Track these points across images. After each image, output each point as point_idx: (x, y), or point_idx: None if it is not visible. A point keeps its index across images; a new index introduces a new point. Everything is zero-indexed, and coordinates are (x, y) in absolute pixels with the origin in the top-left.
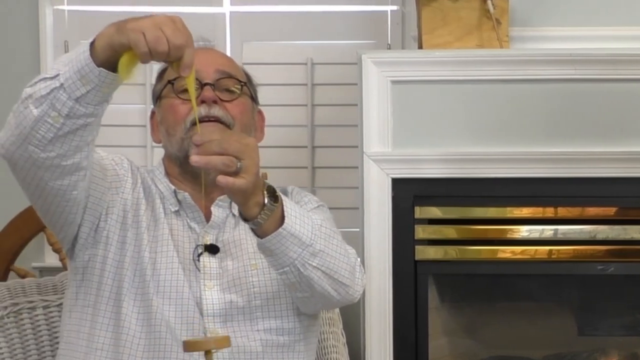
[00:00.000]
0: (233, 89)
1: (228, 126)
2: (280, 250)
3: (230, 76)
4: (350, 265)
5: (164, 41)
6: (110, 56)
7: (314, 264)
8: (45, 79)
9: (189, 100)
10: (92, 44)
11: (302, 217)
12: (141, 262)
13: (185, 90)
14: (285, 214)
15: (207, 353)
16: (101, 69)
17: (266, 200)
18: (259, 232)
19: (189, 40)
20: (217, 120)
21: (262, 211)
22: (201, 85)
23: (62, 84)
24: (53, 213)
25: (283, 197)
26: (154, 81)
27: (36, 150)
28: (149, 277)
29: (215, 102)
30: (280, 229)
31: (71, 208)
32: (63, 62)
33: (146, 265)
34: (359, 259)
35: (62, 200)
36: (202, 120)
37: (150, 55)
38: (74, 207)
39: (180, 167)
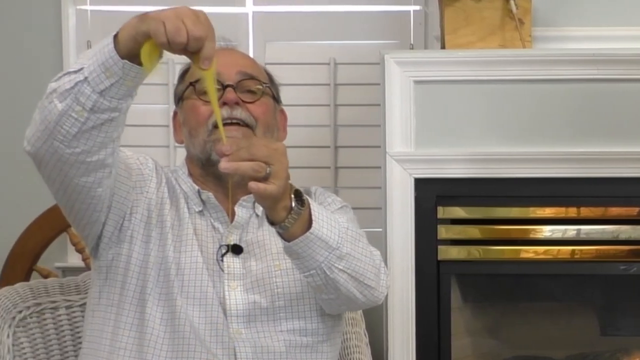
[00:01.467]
0: (255, 89)
1: (250, 128)
2: (307, 253)
3: (252, 77)
4: (376, 268)
5: (183, 32)
6: (133, 48)
7: (340, 267)
8: (69, 72)
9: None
10: (115, 37)
11: (329, 220)
12: (165, 262)
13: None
14: (313, 217)
15: None
16: (125, 61)
17: (294, 204)
18: (286, 236)
19: (209, 33)
20: (239, 122)
21: (289, 215)
22: (223, 87)
23: (86, 77)
24: (78, 211)
25: (310, 200)
26: (176, 81)
27: (61, 146)
28: (173, 276)
29: (237, 103)
30: (307, 233)
31: (95, 206)
32: (87, 55)
33: (170, 264)
34: (383, 261)
35: (86, 198)
36: (225, 122)
37: (169, 45)
38: (99, 204)
39: (203, 169)
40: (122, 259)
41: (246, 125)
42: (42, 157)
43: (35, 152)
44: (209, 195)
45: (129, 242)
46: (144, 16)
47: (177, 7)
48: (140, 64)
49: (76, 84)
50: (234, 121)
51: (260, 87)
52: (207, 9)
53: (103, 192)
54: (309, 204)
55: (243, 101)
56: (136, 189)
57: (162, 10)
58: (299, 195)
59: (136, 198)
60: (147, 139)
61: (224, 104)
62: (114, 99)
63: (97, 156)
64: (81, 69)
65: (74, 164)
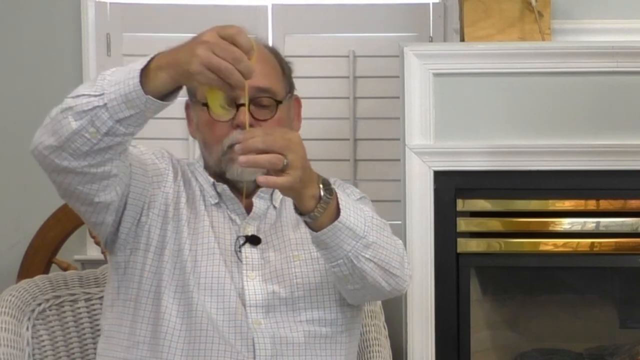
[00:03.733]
0: (268, 104)
1: None
2: (335, 242)
3: (265, 91)
4: (400, 256)
5: (235, 72)
6: (172, 89)
7: (367, 255)
8: (88, 94)
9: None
10: (143, 69)
11: (355, 209)
12: (181, 255)
13: None
14: (340, 206)
15: None
16: (148, 97)
17: (322, 193)
18: (314, 226)
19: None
20: None
21: (318, 204)
22: (236, 105)
23: (105, 104)
24: (84, 213)
25: (336, 189)
26: None
27: (69, 158)
28: (190, 269)
29: (251, 125)
30: (336, 222)
31: (100, 210)
32: (110, 81)
33: (186, 258)
34: (405, 250)
35: (90, 203)
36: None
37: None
38: (103, 208)
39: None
40: (139, 254)
41: None
42: (47, 165)
43: (42, 159)
44: (224, 187)
45: (147, 236)
46: (185, 69)
47: (211, 49)
48: (161, 97)
49: (94, 107)
50: None
51: (274, 102)
52: (227, 1)
53: (107, 197)
54: (336, 193)
55: (256, 119)
56: (153, 184)
57: (199, 54)
58: (327, 184)
59: (153, 193)
60: (166, 132)
61: (237, 126)
62: (131, 126)
63: (102, 168)
64: (102, 94)
65: (79, 174)
